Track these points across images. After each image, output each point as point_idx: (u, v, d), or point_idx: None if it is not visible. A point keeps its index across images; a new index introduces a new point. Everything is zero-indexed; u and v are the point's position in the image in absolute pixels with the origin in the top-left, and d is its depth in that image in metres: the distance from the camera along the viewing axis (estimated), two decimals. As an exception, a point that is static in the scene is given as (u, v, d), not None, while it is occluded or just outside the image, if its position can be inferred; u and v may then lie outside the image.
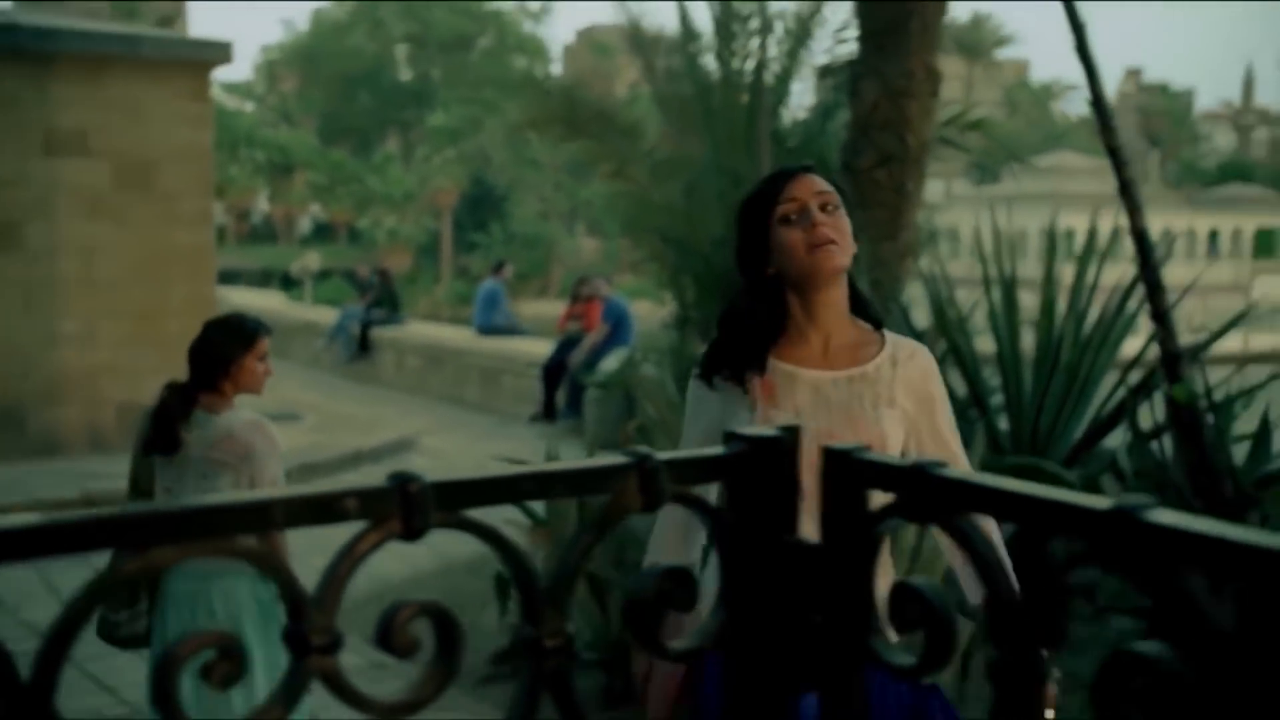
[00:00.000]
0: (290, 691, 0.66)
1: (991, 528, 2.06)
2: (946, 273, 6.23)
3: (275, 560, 0.67)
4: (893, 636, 0.78)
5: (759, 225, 2.25)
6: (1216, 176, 55.62)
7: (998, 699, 0.66)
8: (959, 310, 6.13)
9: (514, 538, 0.72)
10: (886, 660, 0.73)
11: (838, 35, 7.42)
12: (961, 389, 5.82)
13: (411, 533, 0.69)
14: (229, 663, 0.66)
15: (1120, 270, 5.77)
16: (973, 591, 2.14)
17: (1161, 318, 4.65)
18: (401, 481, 0.69)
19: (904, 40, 5.85)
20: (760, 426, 2.18)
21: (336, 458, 9.35)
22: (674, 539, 2.26)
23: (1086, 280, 5.84)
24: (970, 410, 5.72)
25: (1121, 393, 5.66)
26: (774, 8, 7.53)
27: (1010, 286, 5.96)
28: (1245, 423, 5.33)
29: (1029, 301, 6.06)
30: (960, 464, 2.25)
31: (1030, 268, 7.81)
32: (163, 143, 10.24)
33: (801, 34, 7.56)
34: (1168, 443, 5.06)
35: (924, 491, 0.71)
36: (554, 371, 11.99)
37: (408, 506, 0.68)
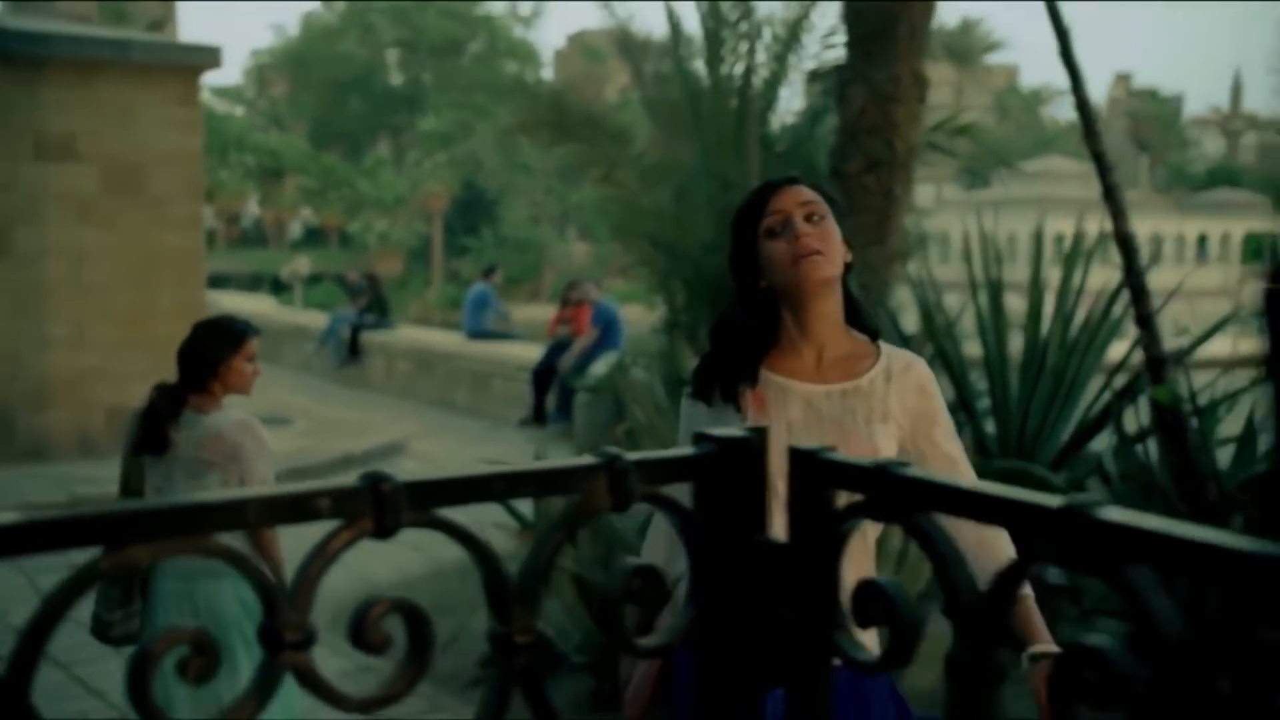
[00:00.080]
0: (263, 686, 0.67)
1: (1004, 540, 2.05)
2: (934, 277, 6.25)
3: (249, 558, 0.69)
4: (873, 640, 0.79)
5: (747, 238, 2.26)
6: (1205, 181, 55.77)
7: (954, 695, 0.67)
8: (946, 315, 6.15)
9: (501, 541, 0.74)
10: (850, 655, 0.74)
11: (825, 40, 7.44)
12: (949, 393, 5.84)
13: (383, 531, 0.70)
14: (203, 659, 0.68)
15: (1107, 274, 5.80)
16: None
17: (1146, 322, 4.67)
18: (374, 481, 0.70)
19: (891, 45, 5.87)
20: None
21: (326, 462, 9.35)
22: (664, 547, 2.27)
23: (1073, 285, 5.87)
24: (958, 414, 5.74)
25: (1107, 396, 5.68)
26: (762, 12, 7.55)
27: (997, 290, 5.98)
28: (1232, 426, 5.36)
29: (1018, 306, 6.08)
30: (966, 476, 2.23)
31: (1020, 272, 7.84)
32: (152, 147, 10.24)
33: (790, 39, 7.58)
34: (1154, 446, 5.09)
35: (887, 491, 0.72)
36: (544, 376, 12.00)
37: (380, 506, 0.70)
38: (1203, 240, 44.60)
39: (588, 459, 0.76)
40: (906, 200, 6.25)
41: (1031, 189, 33.59)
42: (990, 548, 1.97)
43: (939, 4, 6.48)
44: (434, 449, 10.76)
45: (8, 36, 9.89)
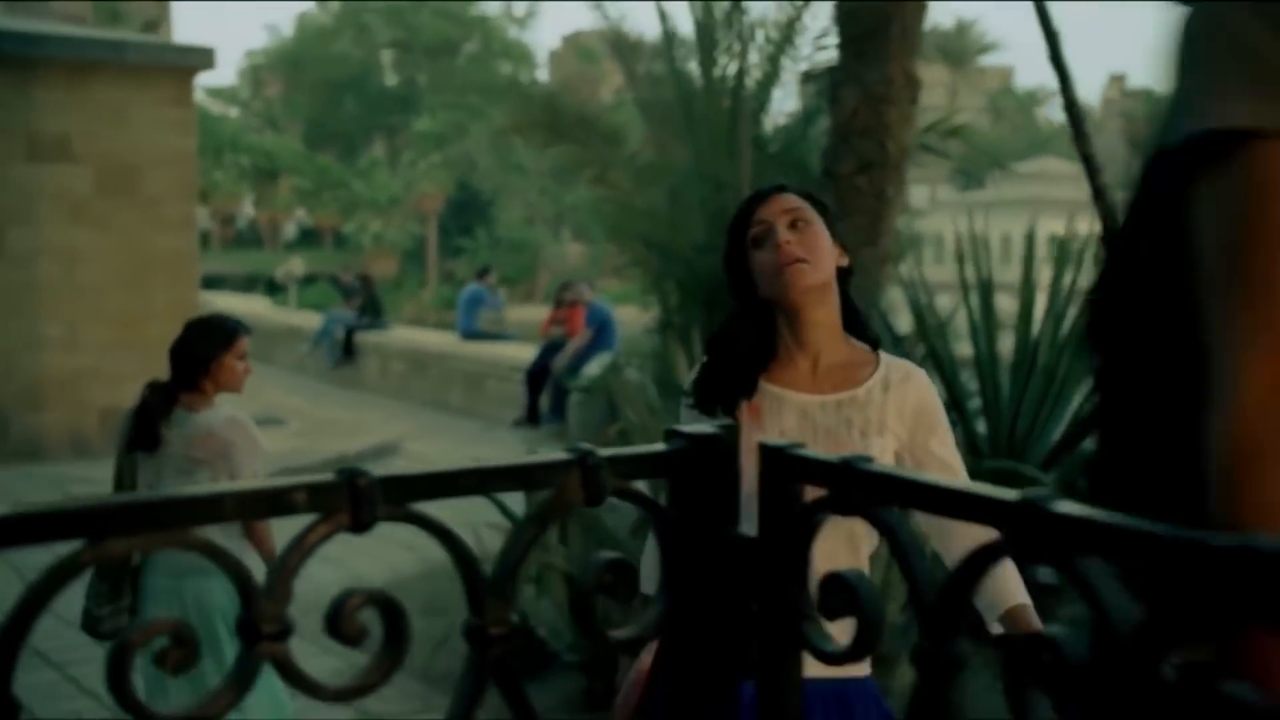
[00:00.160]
0: (241, 677, 0.69)
1: (1010, 569, 2.05)
2: (925, 278, 6.27)
3: (227, 552, 0.70)
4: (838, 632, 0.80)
5: (738, 250, 2.26)
6: (1199, 182, 55.71)
7: (920, 684, 0.69)
8: (938, 315, 6.17)
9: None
10: (817, 646, 0.76)
11: (818, 42, 7.46)
12: (940, 393, 5.85)
13: (359, 525, 0.72)
14: (183, 650, 0.69)
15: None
16: (984, 606, 2.10)
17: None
18: (349, 476, 0.71)
19: (883, 46, 5.89)
20: (745, 450, 2.19)
21: (320, 462, 9.36)
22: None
23: (1064, 284, 5.89)
24: (949, 414, 5.75)
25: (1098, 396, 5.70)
26: (755, 12, 7.57)
27: (988, 291, 6.00)
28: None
29: (1011, 306, 6.10)
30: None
31: (1014, 272, 7.86)
32: (146, 148, 10.25)
33: (783, 40, 7.60)
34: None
35: (851, 485, 0.74)
36: (537, 376, 12.02)
37: (355, 500, 0.71)
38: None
39: (561, 455, 0.78)
40: (899, 201, 6.27)
41: (1026, 190, 33.68)
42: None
43: (932, 5, 6.50)
44: (428, 449, 10.78)
45: (1, 37, 9.89)
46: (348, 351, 15.55)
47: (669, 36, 7.76)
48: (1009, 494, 0.65)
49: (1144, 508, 0.78)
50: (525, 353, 12.83)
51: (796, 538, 0.78)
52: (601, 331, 11.93)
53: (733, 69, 7.53)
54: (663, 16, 7.70)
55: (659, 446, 0.83)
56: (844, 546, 2.14)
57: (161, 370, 3.61)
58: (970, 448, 5.79)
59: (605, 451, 0.79)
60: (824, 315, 2.21)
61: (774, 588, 0.79)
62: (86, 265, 10.03)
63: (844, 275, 2.29)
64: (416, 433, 11.56)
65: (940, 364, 5.92)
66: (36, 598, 0.63)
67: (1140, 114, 63.52)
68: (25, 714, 0.63)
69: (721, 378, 2.24)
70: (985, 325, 5.96)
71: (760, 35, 7.57)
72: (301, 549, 0.71)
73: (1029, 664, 0.63)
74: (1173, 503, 1.06)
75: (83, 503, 0.65)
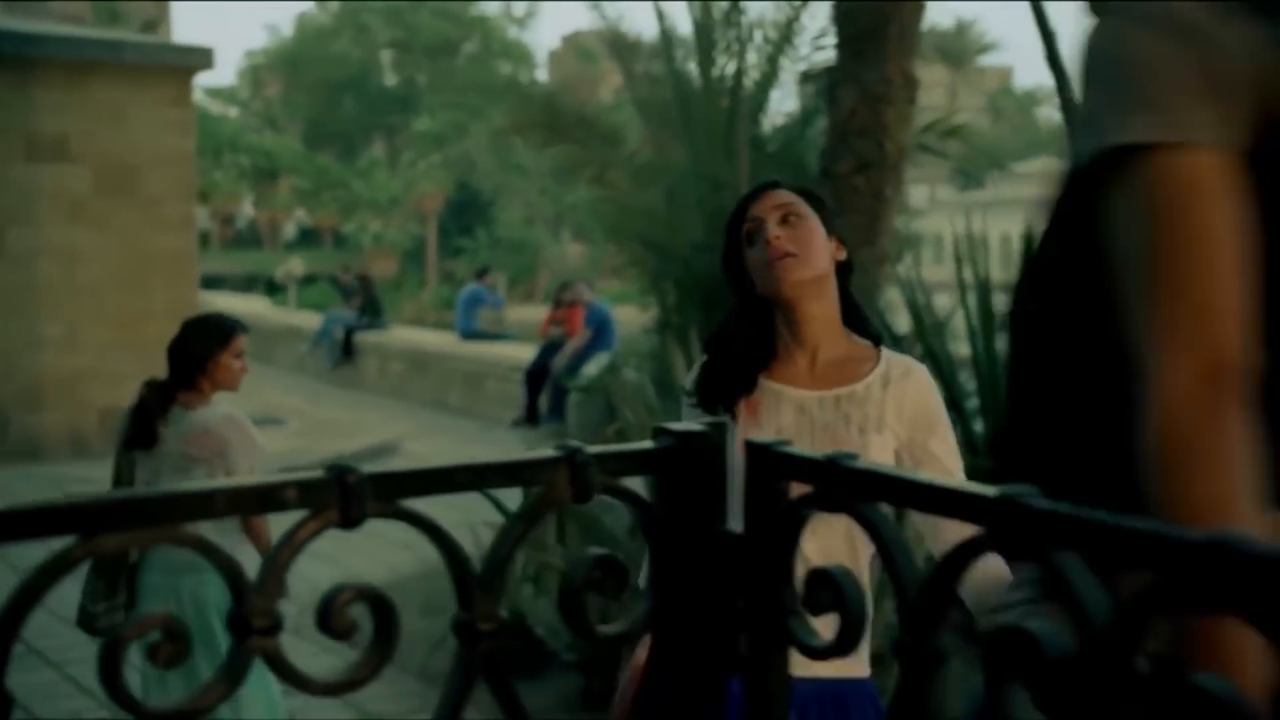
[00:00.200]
0: (232, 672, 0.70)
1: (1000, 564, 2.03)
2: (923, 278, 6.28)
3: (219, 548, 0.71)
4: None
5: (734, 248, 2.27)
6: (1199, 182, 55.75)
7: (902, 677, 0.70)
8: (936, 315, 6.18)
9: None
10: (802, 641, 0.77)
11: (816, 42, 7.47)
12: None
13: (349, 522, 0.73)
14: (174, 645, 0.70)
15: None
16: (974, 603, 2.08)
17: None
18: (339, 473, 0.72)
19: (881, 46, 5.90)
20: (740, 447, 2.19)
21: (318, 463, 9.18)
22: None
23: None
24: (947, 414, 5.77)
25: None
26: (753, 12, 7.58)
27: (985, 290, 6.01)
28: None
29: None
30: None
31: (1013, 272, 7.87)
32: (145, 148, 10.26)
33: (781, 40, 7.61)
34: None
35: (835, 482, 0.75)
36: (537, 376, 12.03)
37: (345, 497, 0.72)
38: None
39: (549, 452, 0.79)
40: (897, 201, 6.28)
41: (1025, 190, 33.67)
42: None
43: (930, 5, 6.51)
44: (427, 449, 10.79)
45: (0, 37, 9.90)
46: (347, 351, 15.56)
47: (667, 36, 7.77)
48: (989, 490, 0.66)
49: (1061, 488, 0.83)
50: (524, 353, 12.84)
51: (782, 534, 0.79)
52: (600, 331, 11.94)
53: (731, 69, 7.55)
54: (660, 16, 7.71)
55: (647, 444, 0.84)
56: (843, 545, 2.14)
57: (161, 370, 3.65)
58: (968, 447, 5.80)
59: (593, 449, 0.80)
60: (820, 310, 2.20)
61: (760, 584, 0.80)
62: (86, 265, 10.04)
63: (844, 270, 2.28)
64: (415, 433, 11.57)
65: (938, 364, 5.93)
66: (30, 592, 0.64)
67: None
68: (24, 713, 0.64)
69: (720, 376, 2.24)
70: (983, 325, 5.97)
71: (758, 35, 7.59)
72: (292, 545, 0.72)
73: (1008, 659, 0.64)
74: (1092, 483, 1.13)
75: (75, 499, 0.66)
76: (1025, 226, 6.79)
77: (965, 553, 0.68)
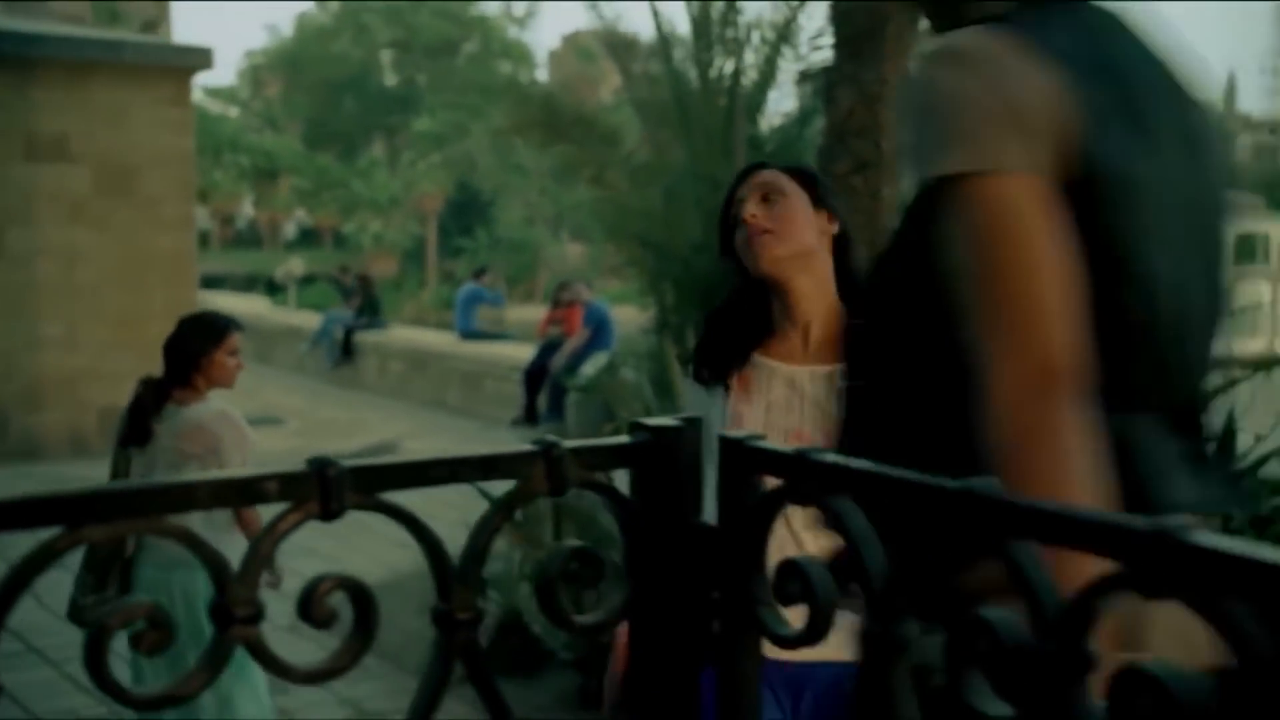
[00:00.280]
0: (214, 660, 0.72)
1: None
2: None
3: (203, 540, 0.73)
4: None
5: (727, 232, 2.30)
6: (1199, 182, 55.84)
7: (866, 663, 0.72)
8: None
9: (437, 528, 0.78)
10: (773, 630, 0.79)
11: (814, 42, 7.49)
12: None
13: (329, 514, 0.74)
14: (158, 633, 0.72)
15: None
16: None
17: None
18: (320, 466, 0.74)
19: (879, 46, 5.92)
20: (730, 421, 2.18)
21: (317, 462, 9.37)
22: None
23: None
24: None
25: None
26: (751, 13, 7.60)
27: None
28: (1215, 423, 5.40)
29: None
30: None
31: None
32: (144, 148, 10.28)
33: (778, 41, 7.62)
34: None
35: (805, 475, 0.77)
36: (535, 375, 12.05)
37: (325, 489, 0.74)
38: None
39: (526, 446, 0.81)
40: (894, 201, 6.29)
41: (1024, 189, 33.69)
42: None
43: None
44: (426, 449, 10.80)
45: (0, 37, 9.92)
46: (346, 351, 15.58)
47: (664, 37, 7.79)
48: (948, 482, 0.67)
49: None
50: (523, 352, 12.86)
51: (754, 527, 0.81)
52: (599, 331, 11.96)
53: (729, 69, 7.56)
54: (656, 16, 7.73)
55: (623, 439, 0.86)
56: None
57: (160, 370, 3.68)
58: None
59: (570, 443, 0.82)
60: (809, 286, 2.22)
61: (733, 575, 0.82)
62: (85, 265, 10.06)
63: (842, 245, 2.29)
64: (415, 432, 11.59)
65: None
66: (16, 581, 0.66)
67: (1140, 114, 63.57)
68: (22, 710, 0.66)
69: (714, 350, 2.27)
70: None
71: (756, 36, 7.61)
72: (273, 535, 0.74)
73: (967, 646, 0.66)
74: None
75: (61, 491, 0.68)
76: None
77: (923, 547, 0.69)
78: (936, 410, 1.29)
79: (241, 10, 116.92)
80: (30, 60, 9.92)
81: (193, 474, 3.49)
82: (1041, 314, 1.21)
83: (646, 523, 0.85)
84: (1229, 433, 5.17)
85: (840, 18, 6.18)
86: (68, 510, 0.68)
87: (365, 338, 15.52)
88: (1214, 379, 1.59)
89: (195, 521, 0.74)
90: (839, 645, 2.23)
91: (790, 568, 0.78)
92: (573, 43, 54.46)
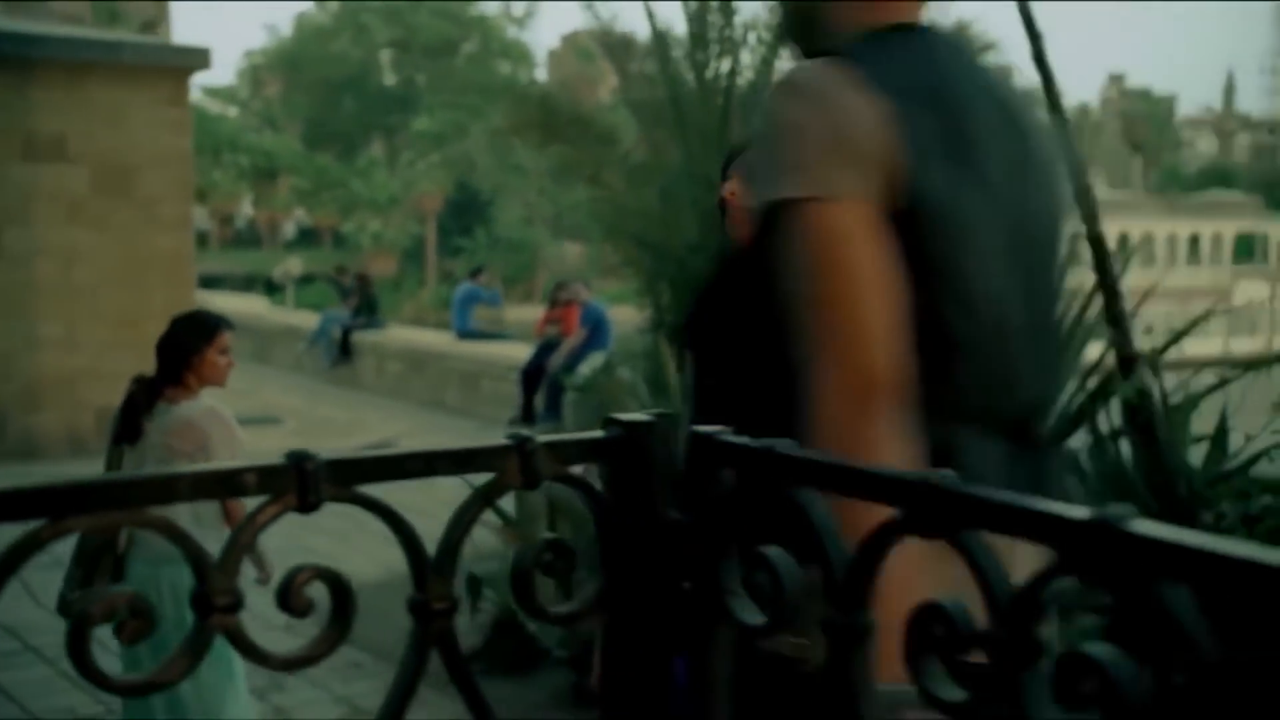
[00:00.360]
0: (194, 647, 0.74)
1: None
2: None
3: (185, 533, 0.75)
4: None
5: (722, 215, 2.33)
6: (1198, 182, 55.98)
7: (830, 652, 0.74)
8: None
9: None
10: (741, 621, 0.81)
11: (809, 42, 7.50)
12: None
13: (306, 506, 0.76)
14: (139, 622, 0.74)
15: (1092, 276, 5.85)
16: None
17: (1117, 321, 4.75)
18: (297, 459, 0.76)
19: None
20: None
21: (315, 461, 9.38)
22: None
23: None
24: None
25: (1082, 397, 5.74)
26: (746, 13, 7.62)
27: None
28: (1206, 424, 5.41)
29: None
30: None
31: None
32: (143, 148, 10.29)
33: (775, 41, 7.64)
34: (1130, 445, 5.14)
35: (769, 467, 0.79)
36: (533, 375, 12.06)
37: (303, 482, 0.76)
38: (1195, 241, 44.74)
39: (500, 440, 0.83)
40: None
41: (1023, 190, 33.63)
42: None
43: (929, 5, 6.52)
44: (423, 448, 10.81)
45: (0, 38, 9.94)
46: (344, 351, 15.59)
47: (660, 37, 7.80)
48: (911, 474, 0.69)
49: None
50: (521, 352, 12.88)
51: (722, 519, 0.83)
52: (596, 331, 11.99)
53: (724, 69, 7.58)
54: (650, 17, 7.74)
55: (596, 433, 0.88)
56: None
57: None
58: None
59: (543, 437, 0.84)
60: None
61: (703, 567, 0.84)
62: (83, 265, 10.07)
63: None
64: (413, 432, 11.61)
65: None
66: (1, 570, 0.68)
67: (1139, 114, 63.58)
68: (19, 708, 0.68)
69: (700, 320, 2.30)
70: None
71: (752, 36, 7.62)
72: (252, 527, 0.76)
73: (925, 634, 0.68)
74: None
75: (44, 483, 0.70)
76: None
77: (884, 534, 0.71)
78: (769, 419, 1.41)
79: (240, 10, 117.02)
80: (29, 60, 9.94)
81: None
82: (864, 333, 1.31)
83: (618, 516, 0.87)
84: (1221, 432, 5.19)
85: (836, 18, 6.19)
86: (52, 502, 0.70)
87: (363, 337, 15.54)
88: (1060, 390, 1.75)
89: (184, 519, 0.76)
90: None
91: (757, 559, 0.80)
92: (572, 43, 54.46)
